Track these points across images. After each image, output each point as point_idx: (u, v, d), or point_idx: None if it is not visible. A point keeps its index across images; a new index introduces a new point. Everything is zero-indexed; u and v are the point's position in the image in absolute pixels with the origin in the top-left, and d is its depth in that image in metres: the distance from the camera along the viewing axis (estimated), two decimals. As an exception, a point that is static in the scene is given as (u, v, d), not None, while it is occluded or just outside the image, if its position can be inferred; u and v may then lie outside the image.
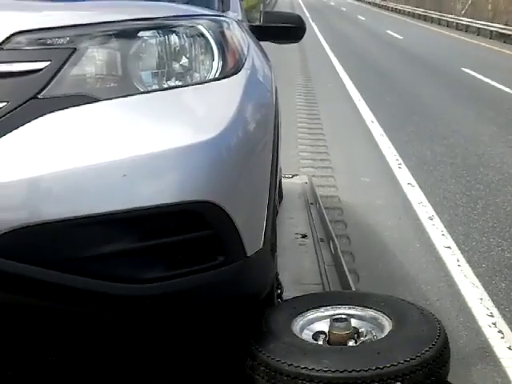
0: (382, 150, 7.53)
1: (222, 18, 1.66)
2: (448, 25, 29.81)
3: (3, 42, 1.32)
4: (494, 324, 3.62)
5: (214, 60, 1.50)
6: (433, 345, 1.52)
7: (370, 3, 53.27)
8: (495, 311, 3.86)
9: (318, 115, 9.64)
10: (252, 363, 1.54)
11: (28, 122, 1.28)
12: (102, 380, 1.76)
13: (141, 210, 1.29)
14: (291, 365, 1.46)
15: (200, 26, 1.51)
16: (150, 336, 1.69)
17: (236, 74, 1.56)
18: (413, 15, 37.22)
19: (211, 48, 1.50)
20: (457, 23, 28.85)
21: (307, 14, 33.26)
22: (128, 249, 1.32)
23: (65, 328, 1.51)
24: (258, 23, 2.62)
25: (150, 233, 1.33)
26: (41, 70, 1.32)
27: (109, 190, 1.29)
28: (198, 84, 1.47)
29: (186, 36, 1.48)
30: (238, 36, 1.72)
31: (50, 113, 1.30)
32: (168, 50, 1.45)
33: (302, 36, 2.74)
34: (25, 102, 1.30)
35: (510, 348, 3.36)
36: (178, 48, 1.47)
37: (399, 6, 42.74)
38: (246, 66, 1.63)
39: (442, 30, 28.32)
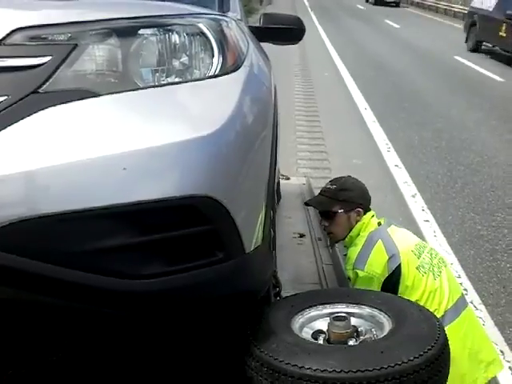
0: (373, 135, 8.08)
1: (221, 17, 1.68)
2: (446, 13, 30.14)
3: (5, 37, 1.32)
4: (461, 284, 4.21)
5: (213, 57, 1.51)
6: (434, 343, 1.51)
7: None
8: (462, 273, 4.50)
9: (314, 99, 10.16)
10: (254, 364, 1.52)
11: (28, 115, 1.28)
12: (102, 380, 1.77)
13: (140, 203, 1.28)
14: (295, 365, 1.44)
15: (200, 25, 1.51)
16: (149, 333, 1.67)
17: (235, 71, 1.56)
18: (411, 3, 37.50)
19: (211, 46, 1.51)
20: (454, 11, 29.21)
21: (306, 4, 33.44)
22: (126, 243, 1.31)
23: (62, 324, 1.50)
24: (257, 24, 2.64)
25: (149, 227, 1.32)
26: (42, 64, 1.32)
27: (109, 183, 1.28)
28: (198, 80, 1.48)
29: (186, 34, 1.48)
30: (238, 34, 1.73)
31: (50, 107, 1.30)
32: (168, 48, 1.45)
33: (302, 37, 2.75)
34: (25, 96, 1.29)
35: (472, 302, 3.97)
36: (178, 45, 1.47)
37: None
38: (245, 63, 1.64)
39: (439, 18, 28.62)
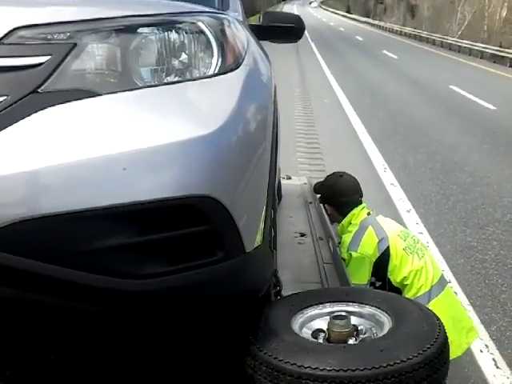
0: (370, 157, 8.46)
1: (221, 16, 1.67)
2: (442, 45, 30.88)
3: (4, 36, 1.31)
4: (451, 288, 4.49)
5: (213, 56, 1.50)
6: (434, 341, 1.51)
7: (368, 23, 54.32)
8: (452, 279, 4.78)
9: (313, 125, 10.54)
10: (253, 363, 1.52)
11: (28, 115, 1.28)
12: (102, 380, 1.77)
13: (140, 203, 1.28)
14: (294, 364, 1.44)
15: (200, 23, 1.50)
16: (148, 332, 1.67)
17: (235, 70, 1.55)
18: (409, 36, 38.36)
19: (211, 44, 1.50)
20: (450, 44, 29.97)
21: (306, 34, 34.11)
22: (126, 243, 1.31)
23: (62, 324, 1.49)
24: (257, 23, 2.63)
25: (149, 227, 1.32)
26: (41, 64, 1.32)
27: (108, 183, 1.28)
28: (197, 80, 1.47)
29: (186, 32, 1.47)
30: (238, 33, 1.72)
31: (50, 107, 1.30)
32: (168, 47, 1.45)
33: (301, 36, 2.76)
34: (25, 96, 1.29)
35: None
36: (177, 44, 1.46)
37: (396, 27, 43.90)
38: (245, 62, 1.63)
39: (435, 50, 29.35)
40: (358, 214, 3.03)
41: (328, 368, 1.41)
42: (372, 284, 2.95)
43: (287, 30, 2.66)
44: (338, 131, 10.19)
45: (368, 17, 60.93)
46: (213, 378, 1.75)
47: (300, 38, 2.76)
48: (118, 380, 1.76)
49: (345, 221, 3.05)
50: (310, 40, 29.83)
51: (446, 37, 32.14)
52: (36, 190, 1.24)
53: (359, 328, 1.66)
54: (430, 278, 2.82)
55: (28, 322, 1.46)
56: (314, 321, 1.71)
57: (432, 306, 2.74)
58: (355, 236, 2.91)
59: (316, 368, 1.41)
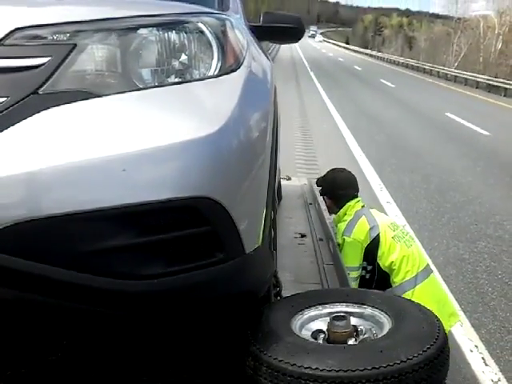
0: (367, 178, 8.72)
1: (221, 16, 1.67)
2: (438, 75, 31.48)
3: (4, 37, 1.32)
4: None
5: (213, 58, 1.50)
6: (434, 342, 1.51)
7: (366, 54, 55.20)
8: (445, 287, 4.98)
9: (312, 148, 10.82)
10: (254, 363, 1.52)
11: (29, 116, 1.28)
12: (102, 380, 1.77)
13: (140, 205, 1.28)
14: (294, 364, 1.44)
15: (200, 24, 1.51)
16: (149, 333, 1.68)
17: (235, 71, 1.55)
18: (406, 66, 39.06)
19: (211, 45, 1.50)
20: (446, 74, 30.57)
21: (306, 64, 34.74)
22: (126, 244, 1.31)
23: (62, 324, 1.50)
24: (258, 23, 2.62)
25: (149, 228, 1.32)
26: (41, 65, 1.32)
27: (109, 184, 1.28)
28: (197, 81, 1.47)
29: (186, 33, 1.47)
30: (238, 34, 1.71)
31: (50, 108, 1.30)
32: (168, 48, 1.45)
33: (301, 36, 2.74)
34: (25, 97, 1.30)
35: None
36: (177, 45, 1.46)
37: (394, 57, 44.69)
38: (245, 63, 1.63)
39: (432, 79, 29.89)
40: (353, 206, 3.39)
41: (328, 368, 1.41)
42: (364, 268, 3.27)
43: (287, 31, 2.65)
44: (335, 153, 10.47)
45: (366, 48, 62.01)
46: (213, 379, 1.76)
47: (300, 39, 2.74)
48: (118, 380, 1.76)
49: (341, 212, 3.42)
50: (309, 69, 30.38)
51: (442, 67, 32.79)
52: (37, 191, 1.24)
53: (359, 328, 1.67)
54: (417, 265, 3.12)
55: (28, 323, 1.47)
56: (314, 321, 1.72)
57: (418, 290, 3.04)
58: (349, 223, 3.25)
59: (316, 368, 1.42)
